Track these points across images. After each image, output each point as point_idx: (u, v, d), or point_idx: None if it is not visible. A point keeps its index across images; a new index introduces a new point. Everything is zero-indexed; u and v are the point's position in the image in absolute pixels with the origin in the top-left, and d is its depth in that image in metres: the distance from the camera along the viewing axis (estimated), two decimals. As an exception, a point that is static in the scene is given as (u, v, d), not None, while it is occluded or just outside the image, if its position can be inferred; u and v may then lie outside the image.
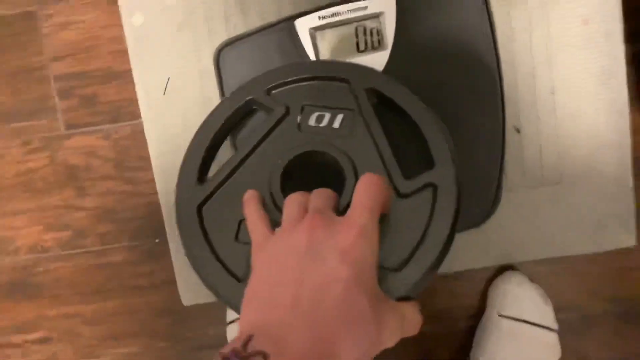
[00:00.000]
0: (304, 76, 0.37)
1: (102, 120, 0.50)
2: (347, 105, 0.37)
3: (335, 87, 0.37)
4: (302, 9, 0.46)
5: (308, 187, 0.34)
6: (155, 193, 0.52)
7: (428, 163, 0.35)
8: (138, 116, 0.50)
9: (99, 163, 0.51)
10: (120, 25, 0.49)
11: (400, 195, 0.34)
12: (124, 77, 0.49)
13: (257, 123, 0.38)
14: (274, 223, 0.33)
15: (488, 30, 0.44)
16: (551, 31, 0.46)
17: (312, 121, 0.36)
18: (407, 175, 0.35)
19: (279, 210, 0.34)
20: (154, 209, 0.52)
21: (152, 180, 0.52)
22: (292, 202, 0.32)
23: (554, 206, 0.48)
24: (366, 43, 0.45)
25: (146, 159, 0.52)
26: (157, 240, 0.52)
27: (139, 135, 0.50)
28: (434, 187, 0.34)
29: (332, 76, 0.37)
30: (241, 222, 0.35)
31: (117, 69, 0.49)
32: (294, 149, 0.36)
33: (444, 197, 0.34)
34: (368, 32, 0.45)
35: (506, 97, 0.47)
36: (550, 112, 0.47)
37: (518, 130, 0.48)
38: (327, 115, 0.36)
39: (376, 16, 0.45)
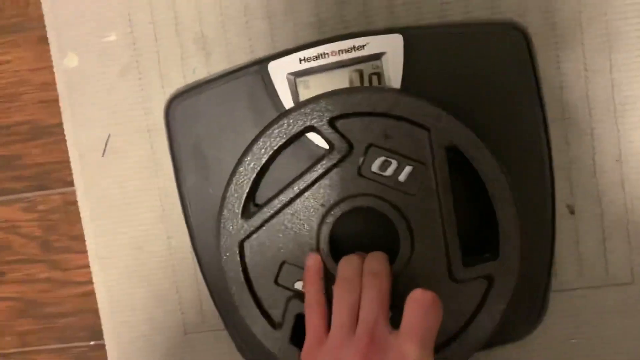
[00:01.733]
0: (379, 111, 0.32)
1: (25, 188, 0.40)
2: (420, 157, 0.33)
3: (410, 131, 0.33)
4: (280, 48, 0.35)
5: (356, 237, 0.34)
6: (90, 282, 0.42)
7: (487, 244, 0.33)
8: (70, 183, 0.40)
9: (20, 242, 0.42)
10: (51, 67, 0.39)
11: (451, 278, 0.33)
12: (54, 133, 0.41)
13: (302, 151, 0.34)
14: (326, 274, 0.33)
15: (531, 78, 0.33)
16: (615, 78, 0.35)
17: (375, 166, 0.33)
18: (466, 262, 0.33)
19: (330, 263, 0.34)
20: (89, 302, 0.42)
21: (87, 265, 0.41)
22: (343, 292, 0.31)
23: (623, 315, 0.37)
24: (364, 93, 0.34)
25: (80, 237, 0.42)
26: (91, 343, 0.40)
27: (71, 208, 0.42)
28: (490, 279, 0.33)
29: (412, 120, 0.32)
30: (282, 264, 0.34)
31: (45, 122, 0.40)
32: (349, 200, 0.33)
33: (498, 294, 0.32)
34: (366, 79, 0.34)
35: (556, 166, 0.35)
36: (616, 186, 0.36)
37: (572, 211, 0.36)
38: (394, 164, 0.33)
39: (377, 57, 0.34)
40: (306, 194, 0.33)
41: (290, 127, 0.32)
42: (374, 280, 0.31)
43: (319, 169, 0.33)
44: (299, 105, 0.33)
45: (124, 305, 0.40)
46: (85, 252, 0.40)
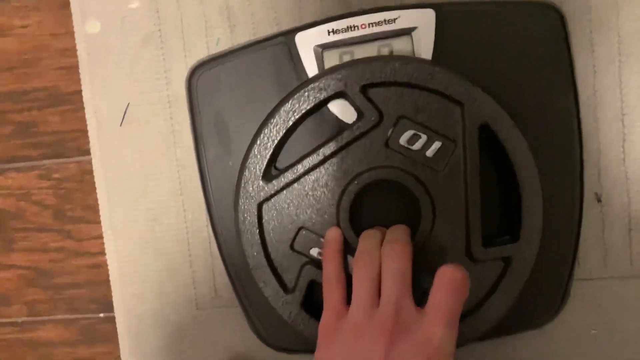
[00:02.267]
0: (414, 82, 0.32)
1: (41, 155, 0.39)
2: (450, 134, 0.32)
3: (443, 106, 0.32)
4: (307, 20, 0.35)
5: (376, 209, 0.33)
6: (103, 253, 0.41)
7: (508, 226, 0.33)
8: (87, 152, 0.39)
9: (34, 209, 0.41)
10: (72, 34, 0.38)
11: (470, 258, 0.33)
12: (73, 101, 0.40)
13: (324, 124, 0.33)
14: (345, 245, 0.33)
15: (566, 61, 0.33)
16: (649, 64, 0.34)
17: (403, 139, 0.32)
18: (485, 242, 0.32)
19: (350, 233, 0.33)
20: (100, 274, 0.41)
21: (100, 236, 0.40)
22: (364, 264, 0.30)
23: (649, 307, 0.36)
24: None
25: (94, 208, 0.41)
26: (101, 315, 0.40)
27: (86, 177, 0.41)
28: (507, 261, 0.33)
29: (446, 94, 0.32)
30: (299, 230, 0.34)
31: (64, 90, 0.39)
32: (374, 171, 0.33)
33: (514, 277, 0.32)
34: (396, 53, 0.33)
35: (584, 152, 0.34)
36: None
37: (599, 199, 0.35)
38: (423, 138, 0.32)
39: (407, 32, 0.33)
40: (330, 161, 0.33)
41: (321, 91, 0.32)
42: (394, 251, 0.30)
43: (346, 137, 0.32)
44: (331, 69, 0.32)
45: (136, 278, 0.39)
46: (98, 222, 0.39)
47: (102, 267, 0.40)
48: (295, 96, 0.32)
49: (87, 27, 0.38)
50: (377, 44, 0.34)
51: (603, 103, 0.35)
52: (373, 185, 0.32)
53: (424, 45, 0.33)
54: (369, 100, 0.32)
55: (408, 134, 0.32)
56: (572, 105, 0.33)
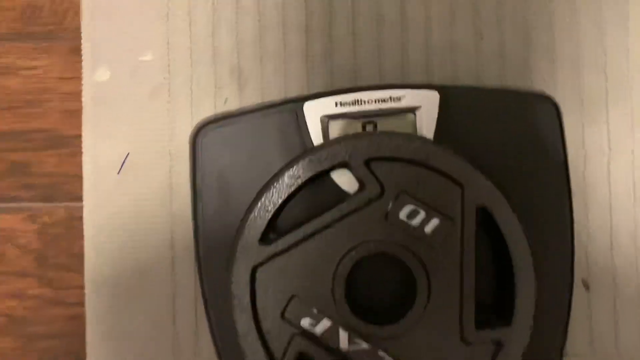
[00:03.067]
0: (417, 159, 0.32)
1: (31, 197, 0.39)
2: (449, 212, 0.33)
3: (443, 185, 0.33)
4: (314, 90, 0.36)
5: (372, 282, 0.33)
6: (82, 304, 0.39)
7: (499, 308, 0.33)
8: (79, 198, 0.39)
9: (15, 253, 0.39)
10: (79, 79, 0.38)
11: (462, 340, 0.33)
12: (71, 145, 0.40)
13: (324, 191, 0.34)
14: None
15: (560, 149, 0.34)
16: (636, 159, 0.36)
17: (403, 214, 0.33)
18: (477, 324, 0.32)
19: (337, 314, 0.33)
20: (77, 325, 0.39)
21: (81, 286, 0.39)
22: None
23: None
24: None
25: (79, 256, 0.40)
26: None
27: (75, 223, 0.40)
28: (499, 344, 0.33)
29: (447, 174, 0.32)
30: (292, 298, 0.33)
31: (64, 133, 0.39)
32: (372, 244, 0.33)
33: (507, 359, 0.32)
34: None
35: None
36: (631, 264, 0.36)
37: (587, 286, 0.36)
38: (422, 214, 0.33)
39: (411, 111, 0.34)
40: (329, 230, 0.32)
41: (325, 160, 0.32)
42: None
43: (346, 207, 0.32)
44: (336, 140, 0.33)
45: (114, 335, 0.38)
46: (81, 272, 0.38)
47: (80, 318, 0.39)
48: (300, 162, 0.33)
49: (96, 74, 0.39)
50: (381, 118, 0.35)
51: (592, 193, 0.37)
52: (370, 258, 0.32)
53: (426, 124, 0.35)
54: (372, 172, 0.32)
55: (408, 208, 0.32)
56: (565, 193, 0.34)
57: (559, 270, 0.34)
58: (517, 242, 0.32)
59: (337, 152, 0.33)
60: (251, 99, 0.38)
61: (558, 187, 0.34)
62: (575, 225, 0.36)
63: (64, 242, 0.40)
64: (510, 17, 0.38)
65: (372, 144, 0.33)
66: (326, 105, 0.36)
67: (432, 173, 0.33)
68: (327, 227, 0.33)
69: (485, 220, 0.33)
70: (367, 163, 0.33)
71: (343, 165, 0.33)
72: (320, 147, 0.34)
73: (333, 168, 0.33)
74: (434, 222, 0.32)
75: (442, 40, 0.38)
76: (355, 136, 0.33)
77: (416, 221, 0.33)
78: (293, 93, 0.38)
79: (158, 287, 0.38)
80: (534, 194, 0.35)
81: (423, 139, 0.34)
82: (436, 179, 0.33)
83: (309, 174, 0.33)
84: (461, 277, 0.32)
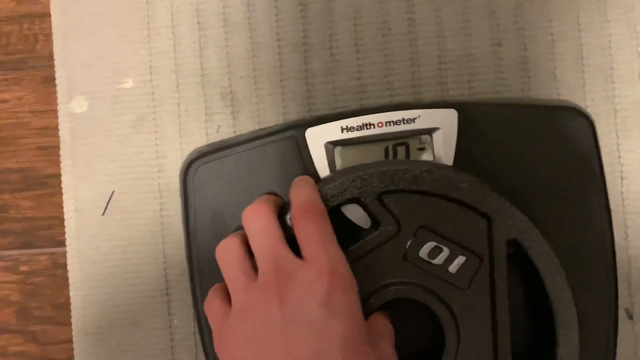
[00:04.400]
0: (437, 192, 0.29)
1: (8, 244, 0.35)
2: (475, 248, 0.30)
3: (468, 217, 0.30)
4: (316, 112, 0.32)
5: (394, 327, 0.30)
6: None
7: (537, 347, 0.30)
8: (62, 243, 0.35)
9: None
10: (55, 112, 0.35)
11: None
12: (49, 185, 0.37)
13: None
14: None
15: (596, 168, 0.31)
16: (679, 173, 0.32)
17: (424, 252, 0.30)
18: None
19: None
20: None
21: (69, 340, 0.36)
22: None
23: None
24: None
25: (65, 307, 0.36)
26: None
27: (59, 271, 0.37)
28: None
29: (472, 206, 0.29)
30: None
31: (40, 172, 0.36)
32: (391, 289, 0.30)
33: None
34: (413, 155, 0.31)
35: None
36: None
37: (631, 316, 0.32)
38: (445, 251, 0.30)
39: (427, 133, 0.31)
40: None
41: (333, 198, 0.29)
42: (251, 213, 0.28)
43: (359, 250, 0.29)
44: (344, 171, 0.29)
45: (108, 391, 0.35)
46: (69, 324, 0.35)
47: (69, 376, 0.36)
48: None
49: (72, 105, 0.35)
50: (394, 143, 0.32)
51: (632, 212, 0.33)
52: (390, 304, 0.29)
53: (445, 147, 0.31)
54: (386, 207, 0.29)
55: (429, 246, 0.29)
56: (605, 216, 0.31)
57: (602, 302, 0.31)
58: (554, 276, 0.29)
59: (345, 186, 0.30)
60: (246, 125, 0.34)
61: (596, 211, 0.31)
62: (617, 252, 0.33)
63: (48, 292, 0.36)
64: (530, 23, 0.34)
65: (384, 175, 0.29)
66: (331, 131, 0.32)
67: (454, 205, 0.30)
68: None
69: (518, 253, 0.30)
70: (380, 197, 0.30)
71: (353, 201, 0.30)
72: (326, 181, 0.30)
73: (341, 204, 0.30)
74: (460, 259, 0.29)
75: (456, 51, 0.34)
76: (364, 167, 0.30)
77: (439, 260, 0.30)
78: (292, 117, 0.34)
79: (154, 337, 0.35)
80: (569, 220, 0.31)
81: (442, 167, 0.30)
82: (459, 211, 0.29)
83: None
84: (493, 320, 0.29)
